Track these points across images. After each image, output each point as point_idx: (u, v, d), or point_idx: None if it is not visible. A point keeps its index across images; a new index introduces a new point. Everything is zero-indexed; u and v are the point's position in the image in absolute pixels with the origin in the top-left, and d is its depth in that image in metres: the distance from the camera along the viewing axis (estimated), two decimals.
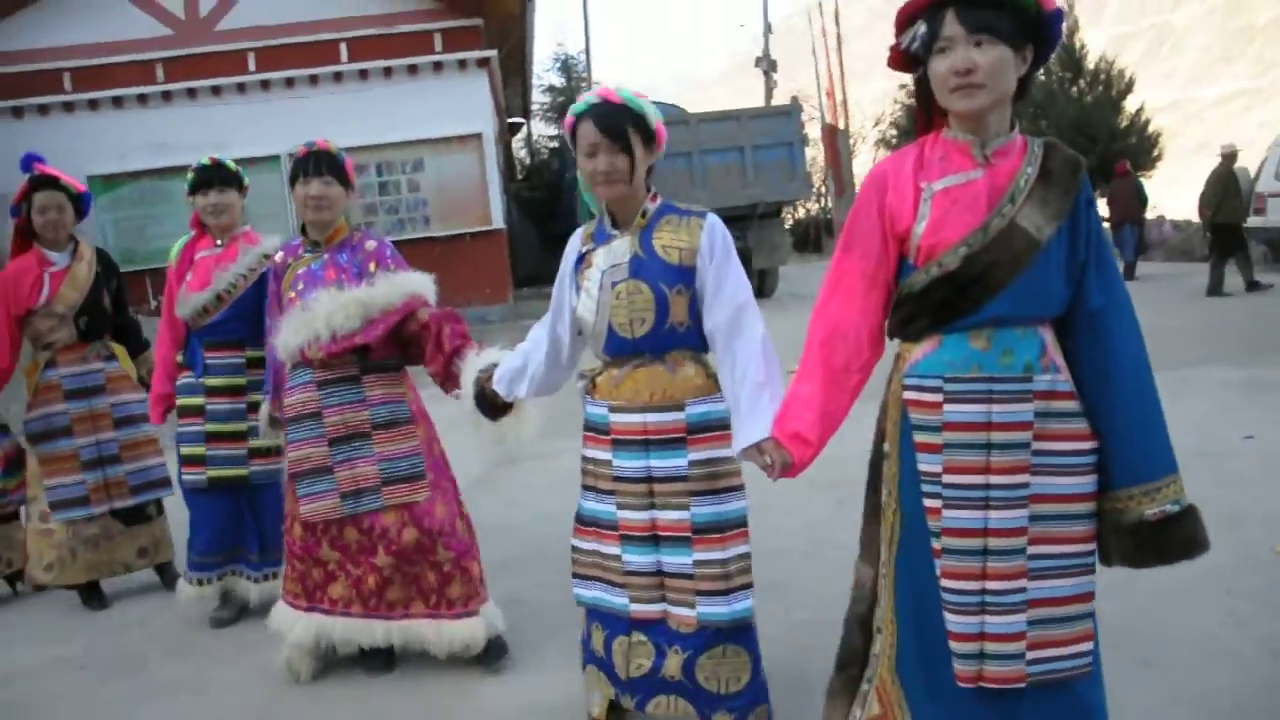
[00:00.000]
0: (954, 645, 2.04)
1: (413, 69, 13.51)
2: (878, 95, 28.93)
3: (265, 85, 13.32)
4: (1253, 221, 15.23)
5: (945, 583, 2.04)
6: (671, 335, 2.52)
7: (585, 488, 2.68)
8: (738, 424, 2.38)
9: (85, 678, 3.61)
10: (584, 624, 2.76)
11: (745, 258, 15.81)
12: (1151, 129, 22.66)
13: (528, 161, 26.51)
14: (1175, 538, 2.01)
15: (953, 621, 2.04)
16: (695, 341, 2.56)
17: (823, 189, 26.50)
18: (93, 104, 13.11)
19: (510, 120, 22.61)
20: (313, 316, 3.18)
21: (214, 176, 3.95)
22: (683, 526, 2.53)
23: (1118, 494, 2.02)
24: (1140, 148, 21.51)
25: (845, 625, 2.25)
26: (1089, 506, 2.04)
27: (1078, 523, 2.03)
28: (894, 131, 27.75)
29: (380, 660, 3.39)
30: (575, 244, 2.67)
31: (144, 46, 13.15)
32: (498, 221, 13.58)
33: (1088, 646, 2.04)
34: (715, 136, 15.10)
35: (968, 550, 2.01)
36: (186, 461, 4.01)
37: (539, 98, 26.15)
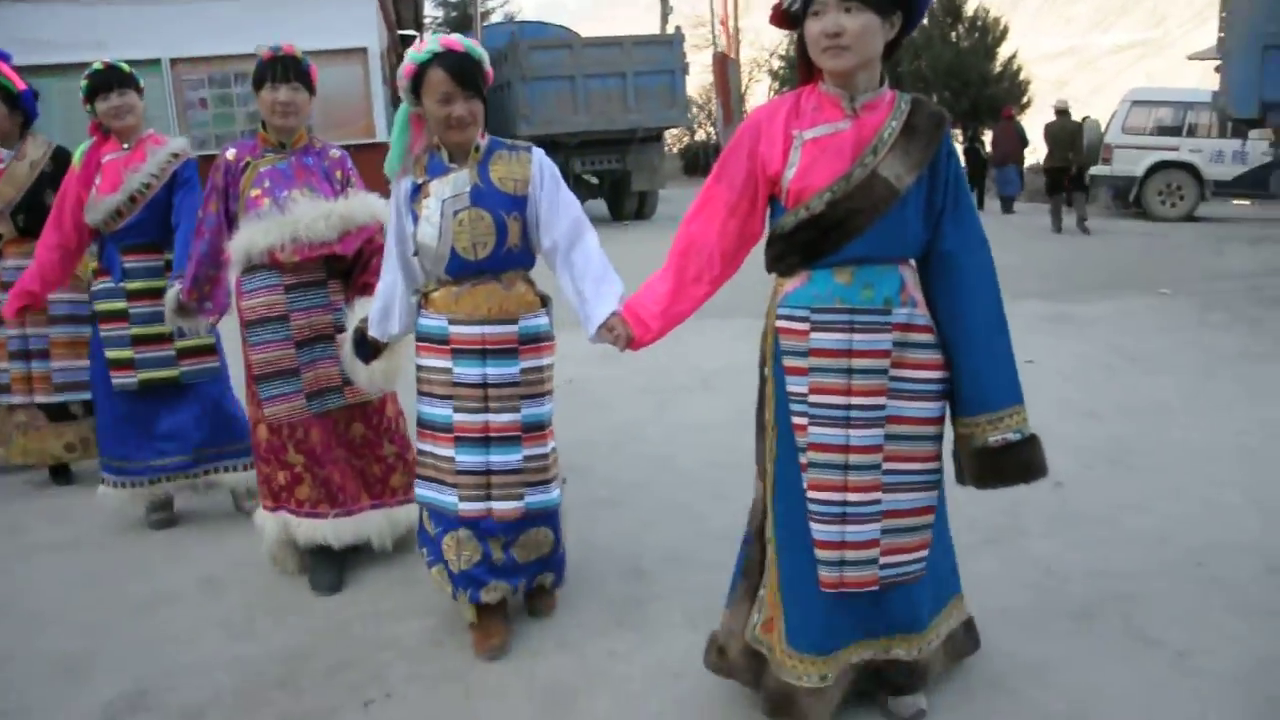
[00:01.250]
0: (819, 553, 2.24)
1: None
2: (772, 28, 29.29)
3: None
4: (1099, 170, 16.45)
5: (811, 494, 2.24)
6: (509, 257, 2.75)
7: (421, 394, 2.83)
8: (587, 311, 2.61)
9: None
10: (426, 523, 2.91)
11: (625, 180, 16.34)
12: (1022, 77, 23.71)
13: None
14: (1014, 462, 2.22)
15: (818, 530, 2.24)
16: (526, 261, 2.82)
17: (711, 115, 26.99)
18: None
19: (402, 33, 22.40)
20: (292, 220, 3.18)
21: (112, 79, 3.88)
22: (514, 427, 2.77)
23: (967, 420, 2.23)
24: (1010, 94, 22.49)
25: (744, 537, 2.45)
26: (936, 429, 2.25)
27: (925, 443, 2.24)
28: (783, 64, 28.26)
29: (331, 574, 3.38)
30: (406, 181, 2.79)
31: None
32: (381, 134, 13.75)
33: (924, 553, 2.28)
34: (599, 62, 15.39)
35: (831, 464, 2.21)
36: (114, 365, 3.97)
37: (431, 11, 25.94)
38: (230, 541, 3.81)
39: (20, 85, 4.42)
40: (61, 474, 4.72)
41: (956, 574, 2.50)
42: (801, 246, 2.21)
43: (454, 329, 2.74)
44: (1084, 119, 16.13)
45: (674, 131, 30.29)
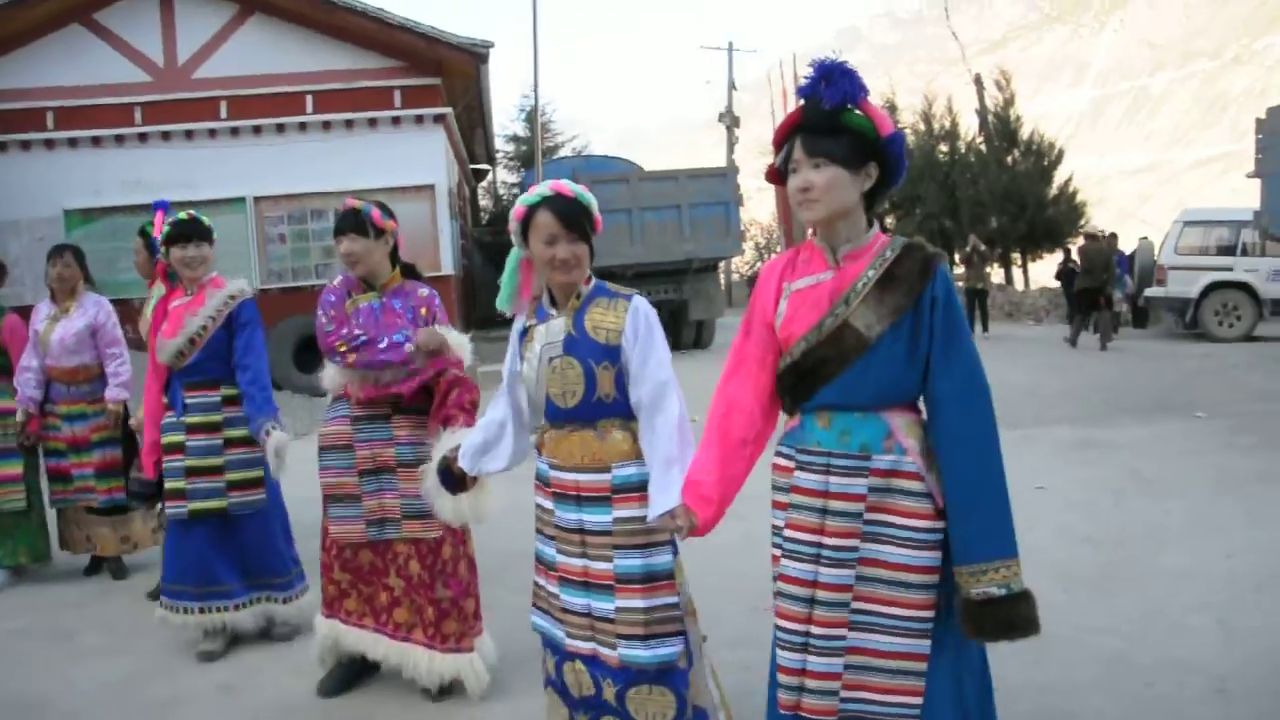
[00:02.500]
0: (780, 676, 2.30)
1: (373, 122, 14.46)
2: None
3: (235, 132, 14.23)
4: (1154, 291, 16.50)
5: (777, 620, 2.30)
6: (600, 406, 2.68)
7: (536, 531, 2.86)
8: (652, 495, 2.58)
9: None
10: (541, 650, 2.92)
11: (683, 309, 16.79)
12: (1079, 199, 23.93)
13: (492, 207, 27.56)
14: (995, 618, 2.12)
15: (781, 655, 2.29)
16: (623, 410, 2.70)
17: (774, 242, 27.67)
18: (72, 142, 13.97)
19: (474, 167, 23.63)
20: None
21: (192, 231, 4.14)
22: (607, 576, 2.67)
23: (955, 569, 2.16)
24: (1066, 216, 22.69)
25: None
26: (925, 579, 2.18)
27: (911, 591, 2.18)
28: None
29: (335, 682, 3.66)
30: (519, 321, 2.85)
31: (124, 91, 14.02)
32: (447, 267, 14.49)
33: (914, 700, 2.19)
34: (655, 195, 15.97)
35: (797, 597, 2.25)
36: (169, 495, 4.17)
37: (503, 146, 27.30)
38: (249, 654, 4.16)
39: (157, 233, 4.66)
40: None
41: None
42: (788, 390, 2.30)
43: (553, 473, 2.75)
44: (1141, 239, 16.33)
45: (743, 259, 31.08)
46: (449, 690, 3.56)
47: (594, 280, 2.78)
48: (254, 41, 14.27)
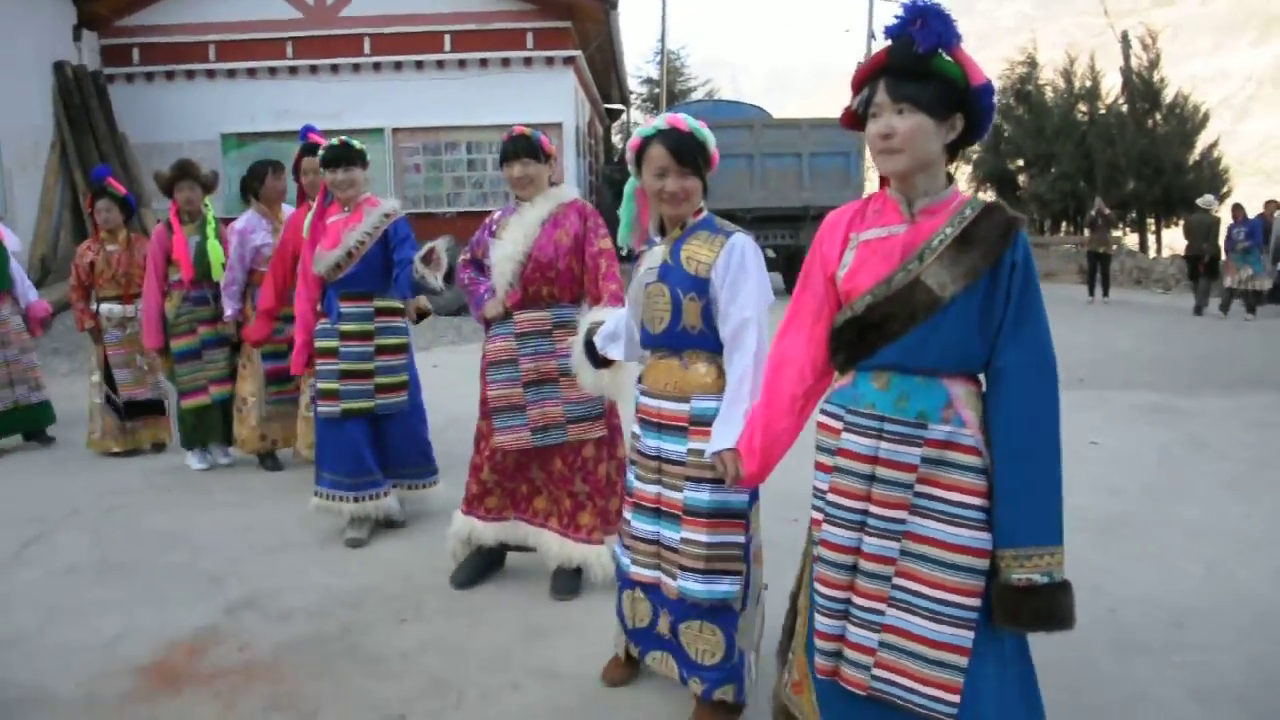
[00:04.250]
0: (817, 642, 2.22)
1: (505, 62, 15.17)
2: None
3: (377, 67, 15.16)
4: None
5: (816, 586, 2.21)
6: (684, 336, 2.72)
7: (628, 458, 2.98)
8: (714, 430, 2.58)
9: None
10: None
11: (799, 254, 17.03)
12: (1222, 165, 22.96)
13: (623, 146, 28.03)
14: (1031, 606, 2.01)
15: (819, 621, 2.21)
16: (709, 344, 2.72)
17: None
18: (230, 73, 15.15)
19: (609, 107, 24.16)
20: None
21: (343, 156, 4.35)
22: (676, 505, 2.72)
23: (997, 551, 2.04)
24: (1208, 183, 21.83)
25: (789, 601, 2.48)
26: (971, 560, 2.05)
27: (955, 573, 2.05)
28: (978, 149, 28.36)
29: (468, 573, 3.92)
30: (632, 246, 2.97)
31: (277, 27, 15.10)
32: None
33: (951, 698, 2.05)
34: (777, 142, 16.25)
35: (838, 564, 2.16)
36: (323, 395, 4.46)
37: (637, 88, 27.73)
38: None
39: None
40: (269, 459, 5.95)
41: None
42: (845, 346, 2.18)
43: (643, 399, 2.83)
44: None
45: None
46: (573, 587, 3.80)
47: (705, 214, 2.81)
48: None
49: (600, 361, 3.12)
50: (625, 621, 2.95)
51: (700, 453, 2.65)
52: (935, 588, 2.07)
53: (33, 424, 6.68)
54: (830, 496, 2.18)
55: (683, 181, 2.69)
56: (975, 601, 2.05)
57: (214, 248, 5.80)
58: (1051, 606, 2.01)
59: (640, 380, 2.88)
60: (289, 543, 4.57)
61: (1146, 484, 5.61)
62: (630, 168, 2.80)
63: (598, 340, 3.10)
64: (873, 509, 2.12)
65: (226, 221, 5.92)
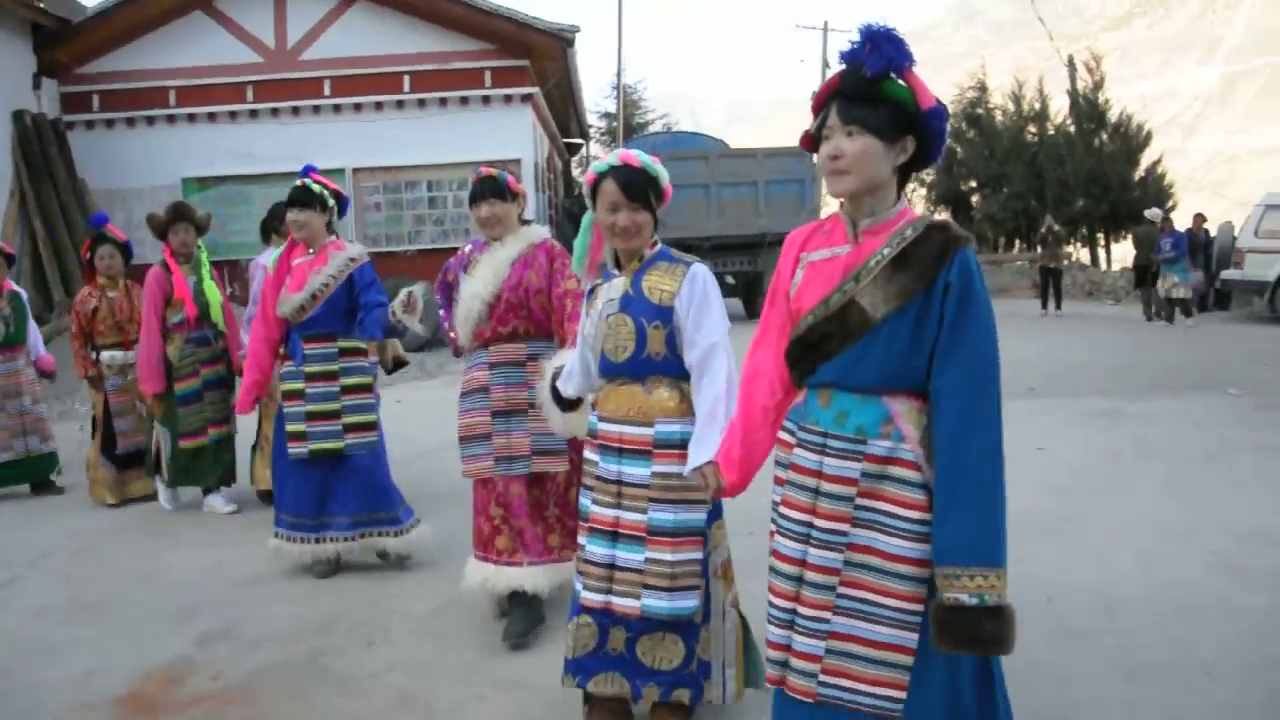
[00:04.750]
0: (767, 651, 2.29)
1: (464, 100, 15.41)
2: None
3: (337, 109, 15.35)
4: (1230, 274, 16.42)
5: (770, 597, 2.27)
6: (649, 363, 2.81)
7: (582, 485, 3.02)
8: (690, 450, 2.69)
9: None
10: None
11: (758, 280, 17.33)
12: (1167, 181, 23.64)
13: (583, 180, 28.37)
14: (958, 627, 1.99)
15: (770, 631, 2.26)
16: (674, 370, 2.82)
17: None
18: (191, 117, 15.27)
19: (568, 141, 24.46)
20: (464, 309, 3.75)
21: (298, 198, 4.44)
22: (639, 527, 2.78)
23: (934, 567, 2.05)
24: (1152, 198, 22.43)
25: None
26: (916, 570, 2.09)
27: (897, 580, 2.10)
28: (931, 173, 28.96)
29: (521, 625, 3.71)
30: (587, 284, 3.05)
31: (237, 71, 15.26)
32: None
33: (898, 694, 2.10)
34: (733, 172, 16.57)
35: (786, 575, 2.21)
36: (291, 437, 4.47)
37: (596, 122, 28.07)
38: None
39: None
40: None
41: None
42: (794, 363, 2.25)
43: (600, 425, 2.89)
44: (1223, 223, 16.29)
45: None
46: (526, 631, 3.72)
47: (659, 246, 2.92)
48: (357, 26, 15.37)
49: (566, 404, 3.21)
50: (566, 653, 2.96)
51: (665, 475, 2.75)
52: (879, 594, 2.11)
53: (40, 474, 6.65)
54: (781, 509, 2.24)
55: (633, 216, 2.79)
56: (918, 606, 2.09)
57: (210, 288, 5.84)
58: (976, 630, 1.98)
59: (595, 407, 2.95)
60: (257, 576, 4.67)
61: (1090, 484, 5.85)
62: (587, 201, 2.91)
63: (560, 384, 3.19)
64: (817, 521, 2.16)
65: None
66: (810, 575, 2.17)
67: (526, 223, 3.93)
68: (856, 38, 2.09)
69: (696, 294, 2.77)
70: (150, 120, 15.34)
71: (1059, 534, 4.87)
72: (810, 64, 32.23)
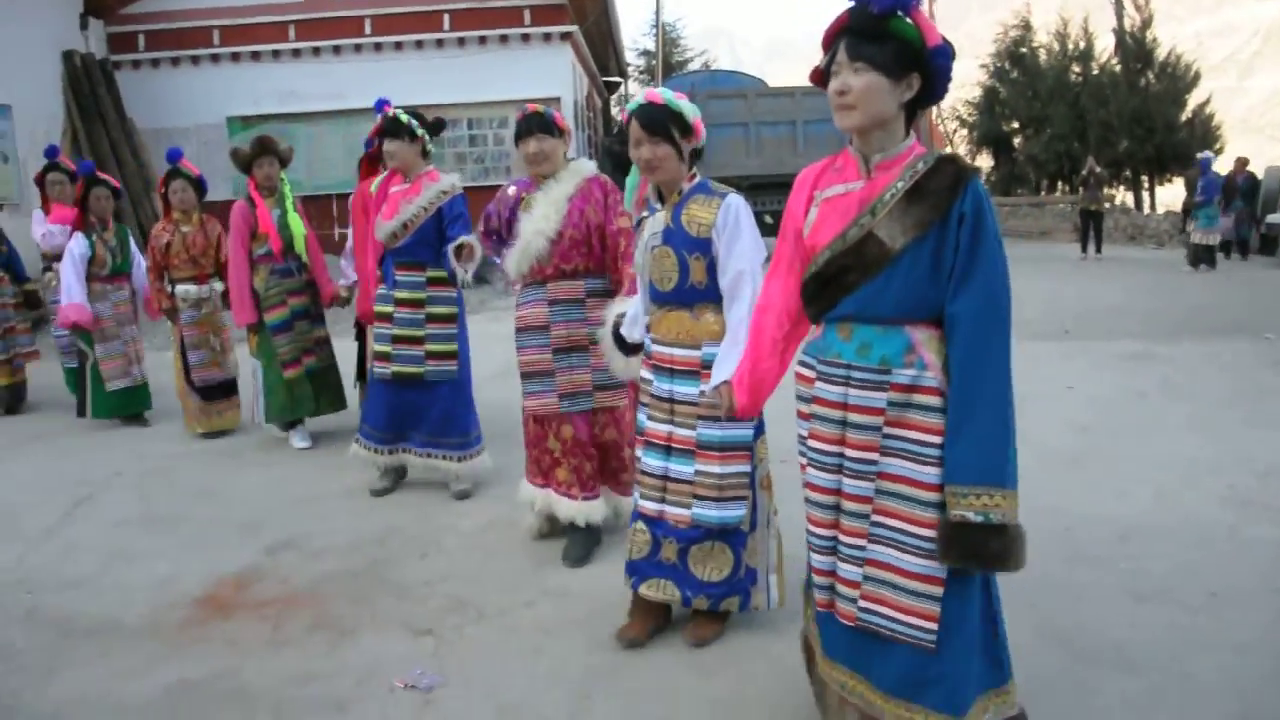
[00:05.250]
0: (814, 577, 2.39)
1: (504, 39, 15.46)
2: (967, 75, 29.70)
3: (378, 47, 15.45)
4: (1275, 218, 16.23)
5: (809, 525, 2.36)
6: (693, 291, 3.00)
7: (638, 401, 3.21)
8: (713, 369, 2.86)
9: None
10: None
11: None
12: (1215, 122, 23.21)
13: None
14: (965, 544, 2.08)
15: (814, 558, 2.36)
16: (716, 296, 2.99)
17: None
18: (235, 56, 15.45)
19: (607, 79, 24.41)
20: (522, 244, 3.79)
21: (389, 128, 4.57)
22: (689, 442, 3.01)
23: (945, 485, 2.13)
24: (1199, 141, 22.08)
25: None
26: (939, 496, 2.14)
27: (925, 509, 2.15)
28: (972, 110, 28.62)
29: (580, 549, 3.90)
30: (634, 211, 3.24)
31: (279, 10, 15.38)
32: None
33: (929, 625, 2.15)
34: (771, 110, 16.59)
35: (823, 505, 2.30)
36: (376, 357, 4.71)
37: (635, 60, 27.99)
38: (369, 471, 5.29)
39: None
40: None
41: (1000, 667, 2.30)
42: (810, 299, 2.31)
43: (654, 347, 3.10)
44: (1270, 166, 16.06)
45: None
46: (584, 555, 3.90)
47: (698, 178, 3.06)
48: None
49: (629, 349, 3.36)
50: (627, 555, 3.18)
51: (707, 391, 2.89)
52: (909, 522, 2.17)
53: (145, 404, 6.87)
54: (810, 442, 2.32)
55: (655, 149, 2.95)
56: None
57: (295, 220, 5.92)
58: (980, 547, 2.07)
59: (649, 330, 3.13)
60: (317, 494, 4.98)
61: (1115, 422, 5.98)
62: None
63: (624, 329, 3.35)
64: (848, 452, 2.23)
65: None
66: (847, 504, 2.25)
67: (571, 160, 3.96)
68: None
69: (730, 223, 2.93)
70: (195, 60, 15.53)
71: (1082, 468, 5.04)
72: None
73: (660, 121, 2.95)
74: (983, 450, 2.08)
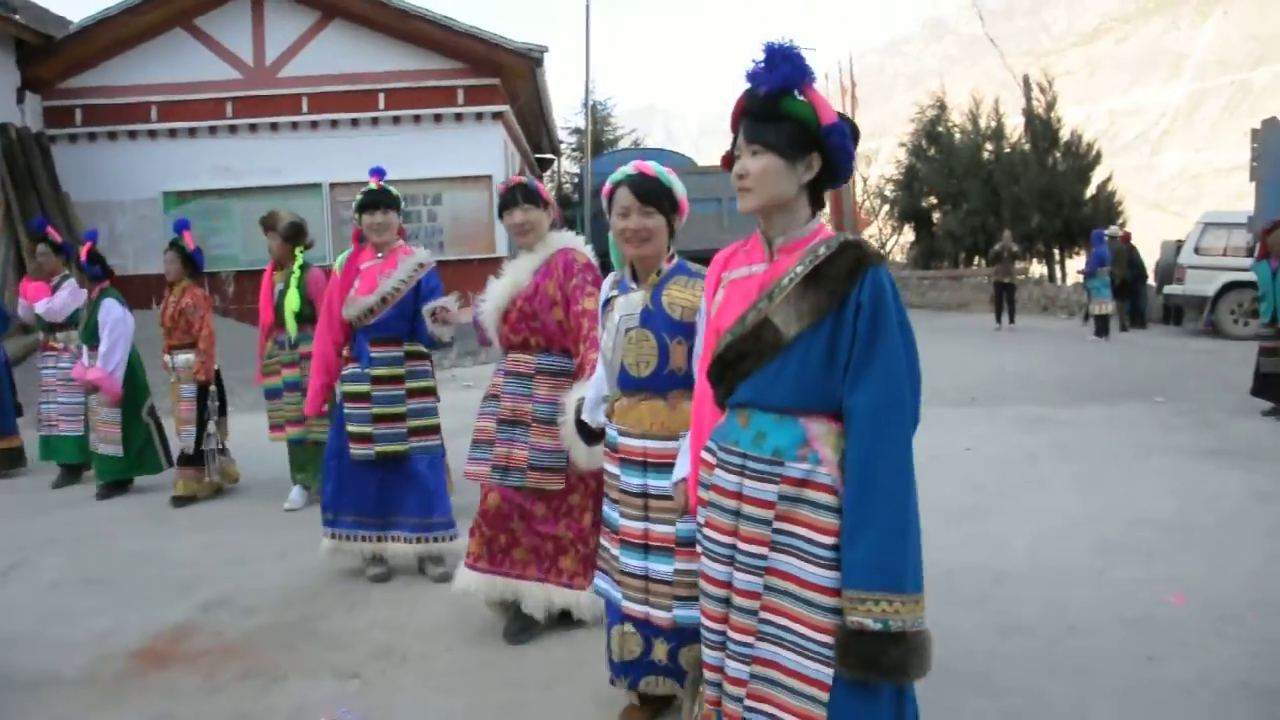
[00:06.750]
0: (705, 673, 2.31)
1: (438, 118, 15.89)
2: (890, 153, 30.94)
3: (314, 125, 15.78)
4: (1172, 289, 17.17)
5: (702, 619, 2.28)
6: (671, 378, 2.81)
7: (604, 495, 3.04)
8: (677, 460, 2.69)
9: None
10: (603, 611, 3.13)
11: None
12: (1117, 199, 24.52)
13: (555, 193, 29.00)
14: (860, 652, 1.98)
15: (705, 653, 2.28)
16: (693, 383, 2.68)
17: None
18: (172, 132, 15.66)
19: (540, 156, 25.01)
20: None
21: (379, 200, 4.48)
22: (668, 539, 2.81)
23: (843, 590, 2.02)
24: (1101, 216, 23.28)
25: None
26: (825, 599, 2.05)
27: (811, 609, 2.07)
28: (894, 187, 29.78)
29: (516, 624, 3.84)
30: (605, 289, 3.02)
31: (217, 87, 15.65)
32: (501, 249, 15.77)
33: None
34: (696, 188, 16.77)
35: (715, 597, 2.22)
36: (355, 439, 4.51)
37: (566, 137, 28.69)
38: (308, 529, 5.52)
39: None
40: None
41: None
42: (715, 383, 2.24)
43: (621, 440, 2.88)
44: (1165, 241, 17.06)
45: None
46: (525, 629, 3.84)
47: (676, 259, 2.93)
48: (333, 44, 15.80)
49: (592, 436, 3.17)
50: (612, 655, 3.01)
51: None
52: (796, 621, 2.09)
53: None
54: (706, 531, 2.24)
55: (644, 220, 2.80)
56: (831, 638, 2.05)
57: (291, 297, 6.12)
58: (879, 654, 1.96)
59: (614, 419, 2.94)
60: (251, 555, 5.20)
61: (1005, 481, 6.44)
62: (606, 214, 2.93)
63: (586, 416, 3.15)
64: (740, 544, 2.15)
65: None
66: (737, 599, 2.17)
67: (553, 233, 3.87)
68: (759, 56, 2.10)
69: None
70: (132, 134, 15.70)
71: (968, 521, 5.46)
72: None
73: (653, 192, 2.84)
74: (880, 553, 1.98)
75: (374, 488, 4.58)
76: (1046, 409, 9.22)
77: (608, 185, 2.89)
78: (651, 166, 2.87)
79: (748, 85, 2.14)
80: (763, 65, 2.08)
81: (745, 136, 2.13)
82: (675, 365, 2.81)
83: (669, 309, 2.81)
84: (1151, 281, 18.86)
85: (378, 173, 4.66)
